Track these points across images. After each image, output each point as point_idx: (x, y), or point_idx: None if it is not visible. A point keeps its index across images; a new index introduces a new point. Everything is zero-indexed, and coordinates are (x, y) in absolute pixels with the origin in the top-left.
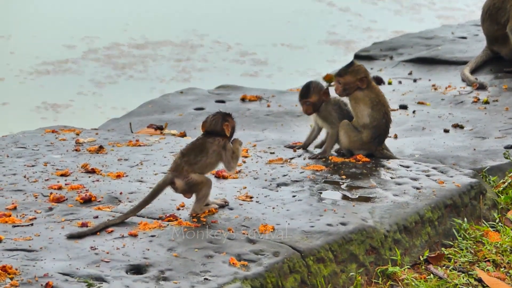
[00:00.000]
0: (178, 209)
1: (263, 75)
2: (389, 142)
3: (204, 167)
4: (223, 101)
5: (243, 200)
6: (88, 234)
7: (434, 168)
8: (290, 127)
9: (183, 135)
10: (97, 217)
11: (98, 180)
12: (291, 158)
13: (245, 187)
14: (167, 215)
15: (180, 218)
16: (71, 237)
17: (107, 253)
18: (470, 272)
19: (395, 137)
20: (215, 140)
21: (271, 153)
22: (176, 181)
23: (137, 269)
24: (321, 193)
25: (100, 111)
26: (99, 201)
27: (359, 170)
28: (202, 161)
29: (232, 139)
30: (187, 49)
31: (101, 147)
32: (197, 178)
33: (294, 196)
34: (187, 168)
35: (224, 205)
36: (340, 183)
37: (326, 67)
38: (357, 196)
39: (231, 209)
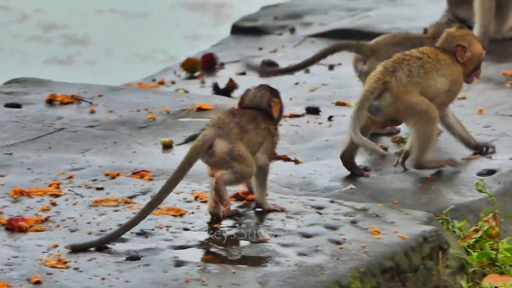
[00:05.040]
0: None
1: (82, 62)
2: (288, 169)
3: (250, 143)
4: (17, 105)
5: (53, 267)
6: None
7: (363, 209)
8: (128, 146)
9: None
10: None
11: None
12: (132, 196)
13: (56, 246)
14: None
15: None
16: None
17: None
18: None
19: (297, 162)
20: (266, 119)
21: (98, 188)
22: (217, 143)
23: None
24: (181, 251)
25: None
26: None
27: (243, 213)
28: (253, 132)
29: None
30: None
31: None
32: (244, 152)
33: (137, 258)
34: (237, 132)
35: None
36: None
37: (184, 47)
38: (239, 257)
39: (36, 283)
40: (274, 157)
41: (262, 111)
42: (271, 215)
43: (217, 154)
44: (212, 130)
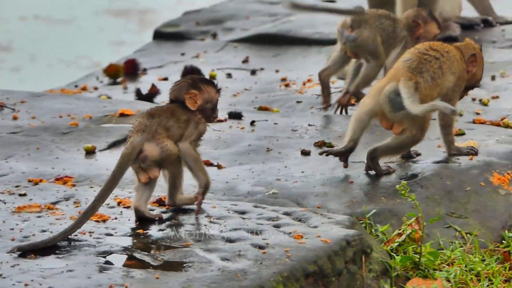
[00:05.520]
0: None
1: (6, 68)
2: (211, 174)
3: (174, 137)
4: None
5: None
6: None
7: (286, 213)
8: (51, 152)
9: None
10: None
11: None
12: (55, 202)
13: None
14: None
15: None
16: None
17: None
18: None
19: (220, 167)
20: (187, 111)
21: (20, 194)
22: (147, 147)
23: None
24: (105, 256)
25: None
26: None
27: (166, 218)
28: (175, 127)
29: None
30: None
31: None
32: (172, 148)
33: (61, 264)
34: (162, 131)
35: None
36: (136, 240)
37: (109, 53)
38: (163, 262)
39: None
40: None
41: (182, 103)
42: (193, 220)
43: (149, 157)
44: (138, 135)
